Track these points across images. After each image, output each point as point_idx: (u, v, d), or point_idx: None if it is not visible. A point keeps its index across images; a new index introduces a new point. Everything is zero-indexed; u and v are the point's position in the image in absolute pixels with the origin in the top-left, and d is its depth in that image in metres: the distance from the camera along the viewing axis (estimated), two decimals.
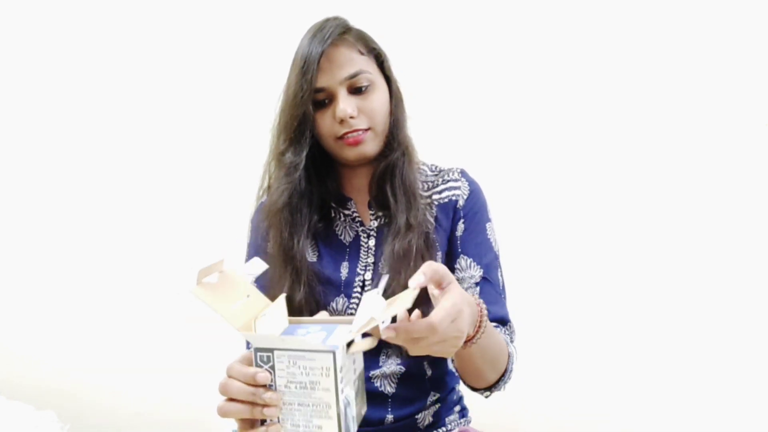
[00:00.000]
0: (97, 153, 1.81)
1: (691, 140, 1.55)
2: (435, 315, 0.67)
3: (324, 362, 0.69)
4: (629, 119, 1.58)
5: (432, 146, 1.15)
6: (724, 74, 1.54)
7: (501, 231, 1.11)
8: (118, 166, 1.81)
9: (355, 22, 1.05)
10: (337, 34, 0.97)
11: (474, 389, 0.98)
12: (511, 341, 0.99)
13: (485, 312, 0.79)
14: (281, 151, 1.00)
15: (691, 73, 1.55)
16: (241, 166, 1.72)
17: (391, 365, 1.01)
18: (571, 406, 1.58)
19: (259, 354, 0.67)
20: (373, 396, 0.99)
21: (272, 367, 0.68)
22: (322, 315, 0.81)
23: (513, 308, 1.07)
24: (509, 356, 0.94)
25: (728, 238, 1.52)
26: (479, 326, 0.78)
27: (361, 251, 1.03)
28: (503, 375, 0.94)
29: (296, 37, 1.03)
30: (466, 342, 0.78)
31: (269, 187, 1.05)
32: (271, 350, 0.68)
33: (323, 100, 0.98)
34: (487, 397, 0.98)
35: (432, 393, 1.04)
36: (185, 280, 0.72)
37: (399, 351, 1.00)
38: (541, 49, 1.61)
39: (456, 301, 0.69)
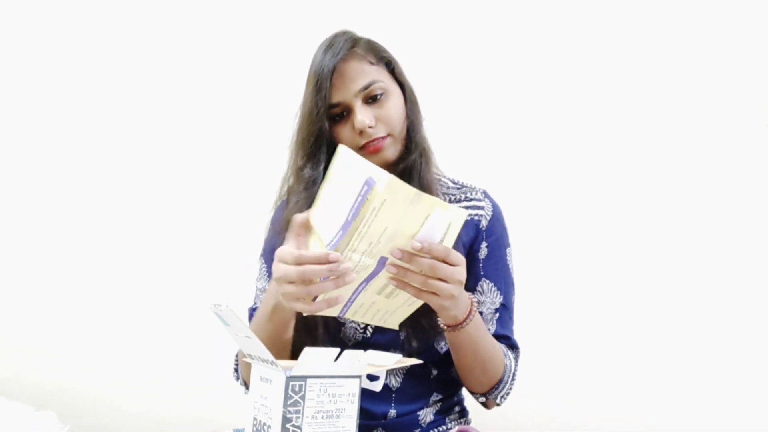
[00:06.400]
0: (103, 154, 1.81)
1: (692, 143, 1.56)
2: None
3: (351, 388, 0.71)
4: (629, 121, 1.60)
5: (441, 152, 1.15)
6: (724, 75, 1.56)
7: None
8: (120, 167, 1.80)
9: (367, 31, 1.06)
10: (346, 48, 1.00)
11: (472, 393, 1.06)
12: (515, 361, 1.05)
13: (475, 306, 0.92)
14: (300, 166, 1.03)
15: (692, 76, 1.56)
16: (243, 170, 1.73)
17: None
18: (571, 405, 1.60)
19: (291, 384, 0.67)
20: None
21: (302, 397, 0.68)
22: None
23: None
24: (505, 368, 1.01)
25: (729, 238, 1.55)
26: (469, 314, 0.90)
27: None
28: (498, 384, 1.01)
29: (310, 42, 1.04)
30: (456, 326, 0.90)
31: (287, 198, 1.07)
32: (305, 378, 0.68)
33: (341, 114, 1.01)
34: (482, 403, 1.06)
35: (435, 393, 1.07)
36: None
37: (403, 348, 1.01)
38: (539, 53, 1.63)
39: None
